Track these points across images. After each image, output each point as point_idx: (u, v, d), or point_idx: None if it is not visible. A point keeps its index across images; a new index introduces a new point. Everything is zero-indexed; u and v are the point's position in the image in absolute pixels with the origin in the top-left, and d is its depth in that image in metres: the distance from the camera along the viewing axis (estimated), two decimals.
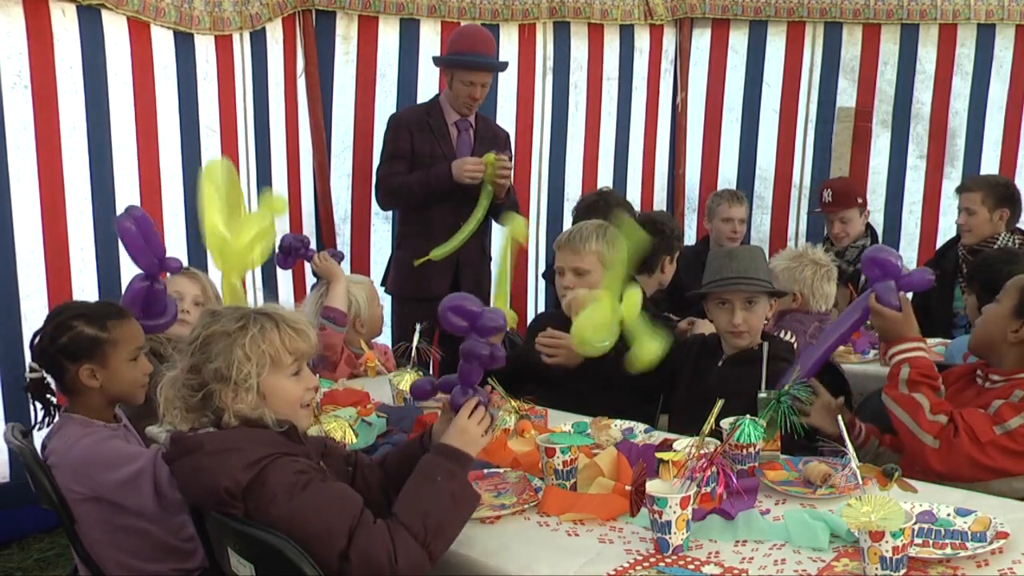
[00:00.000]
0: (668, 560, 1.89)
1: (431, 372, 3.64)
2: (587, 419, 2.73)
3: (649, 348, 2.87)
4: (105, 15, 3.93)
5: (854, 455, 1.96)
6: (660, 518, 1.90)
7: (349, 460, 2.22)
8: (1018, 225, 4.60)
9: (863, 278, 4.65)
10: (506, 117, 5.43)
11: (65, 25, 3.82)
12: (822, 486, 2.20)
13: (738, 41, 6.11)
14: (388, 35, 5.20)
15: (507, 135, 4.77)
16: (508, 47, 5.43)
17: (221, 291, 3.38)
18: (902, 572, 1.74)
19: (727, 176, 6.27)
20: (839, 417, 2.20)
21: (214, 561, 2.10)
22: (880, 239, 5.56)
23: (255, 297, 4.58)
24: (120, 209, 3.43)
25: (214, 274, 3.46)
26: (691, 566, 1.86)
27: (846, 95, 6.11)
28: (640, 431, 2.70)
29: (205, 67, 4.40)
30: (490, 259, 4.70)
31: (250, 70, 4.66)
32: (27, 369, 2.55)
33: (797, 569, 1.84)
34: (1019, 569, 1.81)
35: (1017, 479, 2.42)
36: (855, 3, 5.96)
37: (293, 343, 2.00)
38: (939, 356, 3.60)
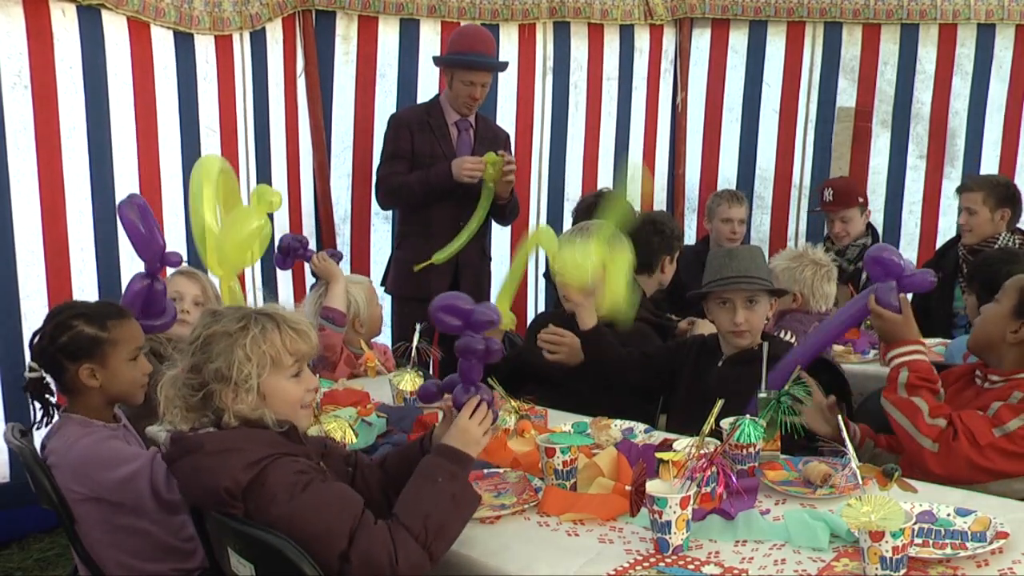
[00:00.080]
0: (668, 560, 1.89)
1: (431, 372, 3.64)
2: (587, 419, 2.73)
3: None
4: (105, 15, 3.93)
5: (854, 455, 1.97)
6: (660, 518, 1.90)
7: (349, 460, 2.22)
8: (1018, 225, 4.60)
9: (864, 277, 4.68)
10: (506, 117, 5.43)
11: (65, 25, 3.82)
12: (822, 486, 2.20)
13: (738, 41, 6.11)
14: (388, 35, 5.20)
15: (507, 135, 4.77)
16: (508, 47, 5.43)
17: (220, 292, 3.39)
18: (902, 572, 1.74)
19: (727, 176, 6.27)
20: (839, 417, 2.20)
21: (214, 561, 2.10)
22: (880, 239, 5.56)
23: (255, 297, 4.58)
24: None
25: (213, 274, 3.46)
26: (691, 566, 1.86)
27: (846, 95, 6.11)
28: (640, 431, 2.70)
29: (205, 67, 4.40)
30: (490, 260, 4.70)
31: (250, 70, 4.66)
32: (26, 369, 2.55)
33: (797, 569, 1.84)
34: (1019, 569, 1.81)
35: (1016, 480, 2.41)
36: (855, 3, 5.96)
37: (294, 344, 2.00)
38: (939, 356, 3.60)
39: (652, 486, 1.94)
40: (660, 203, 6.25)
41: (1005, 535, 1.89)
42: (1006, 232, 4.50)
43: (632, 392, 3.21)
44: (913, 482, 2.07)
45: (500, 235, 5.19)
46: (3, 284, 3.77)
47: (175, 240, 4.17)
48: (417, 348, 3.14)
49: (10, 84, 3.71)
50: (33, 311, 3.76)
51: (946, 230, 5.92)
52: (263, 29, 4.69)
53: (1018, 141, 6.05)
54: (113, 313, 2.54)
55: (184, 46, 4.29)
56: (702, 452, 2.03)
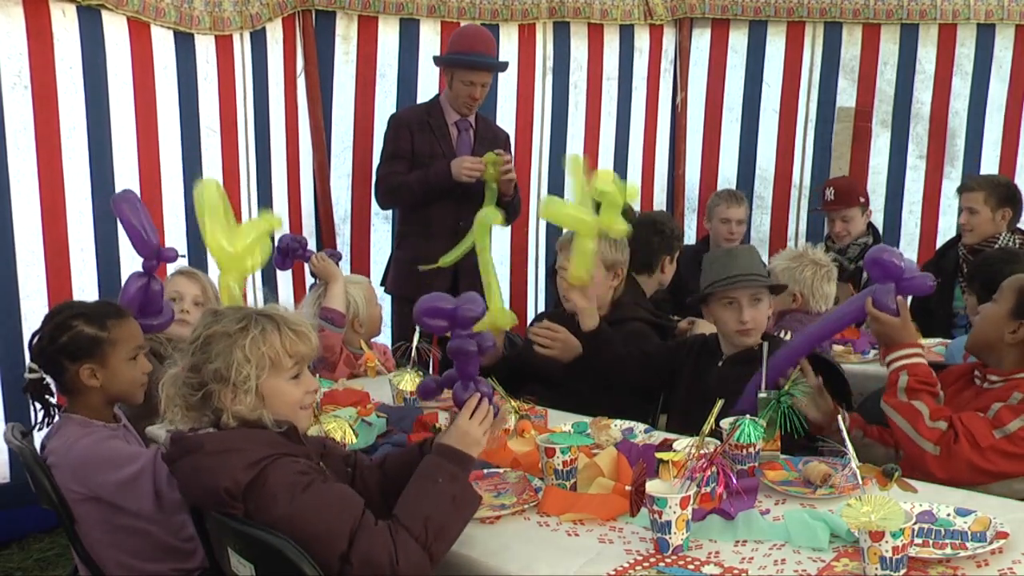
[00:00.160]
0: (668, 560, 1.89)
1: (431, 372, 3.64)
2: (587, 419, 2.72)
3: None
4: (105, 15, 3.93)
5: (854, 455, 1.97)
6: (660, 518, 1.90)
7: (348, 461, 2.22)
8: (1019, 225, 4.60)
9: (864, 276, 4.67)
10: (506, 117, 5.43)
11: (65, 25, 3.82)
12: (822, 486, 2.20)
13: (738, 41, 6.11)
14: (388, 35, 5.20)
15: (507, 135, 4.77)
16: (508, 47, 5.42)
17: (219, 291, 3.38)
18: (902, 572, 1.74)
19: (727, 176, 6.27)
20: (839, 418, 2.20)
21: (214, 561, 2.10)
22: (881, 238, 5.56)
23: (255, 297, 4.58)
24: None
25: (214, 274, 3.45)
26: (691, 566, 1.86)
27: (846, 95, 6.11)
28: (640, 431, 2.70)
29: (205, 67, 4.40)
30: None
31: (250, 70, 4.66)
32: (26, 370, 2.55)
33: (797, 569, 1.84)
34: (1019, 569, 1.81)
35: (1017, 480, 2.42)
36: (855, 3, 5.96)
37: (293, 346, 2.00)
38: (939, 356, 3.60)
39: (652, 486, 1.94)
40: (660, 203, 6.25)
41: (1005, 535, 1.89)
42: (1006, 232, 4.50)
43: (632, 392, 3.22)
44: (913, 482, 2.07)
45: (500, 236, 5.19)
46: (3, 284, 3.77)
47: (176, 240, 4.17)
48: (417, 348, 3.14)
49: (10, 84, 3.70)
50: (33, 311, 3.76)
51: (946, 230, 5.92)
52: (263, 29, 4.69)
53: (1018, 141, 6.05)
54: (112, 313, 2.54)
55: (184, 46, 4.29)
56: (702, 452, 2.04)
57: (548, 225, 5.76)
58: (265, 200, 4.74)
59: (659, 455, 2.09)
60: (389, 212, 5.12)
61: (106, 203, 3.94)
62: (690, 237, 6.01)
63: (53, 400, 2.57)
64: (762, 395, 2.44)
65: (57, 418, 2.54)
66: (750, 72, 6.14)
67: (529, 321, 4.60)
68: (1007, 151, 6.05)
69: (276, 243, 3.90)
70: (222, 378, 1.94)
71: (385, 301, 4.49)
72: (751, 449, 2.24)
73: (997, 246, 4.38)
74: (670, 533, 1.90)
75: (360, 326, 3.71)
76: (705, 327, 3.37)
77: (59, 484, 2.36)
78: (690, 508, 1.92)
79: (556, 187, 5.79)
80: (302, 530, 1.83)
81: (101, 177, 3.98)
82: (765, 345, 2.57)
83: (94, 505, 2.36)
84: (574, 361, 3.18)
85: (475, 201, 4.33)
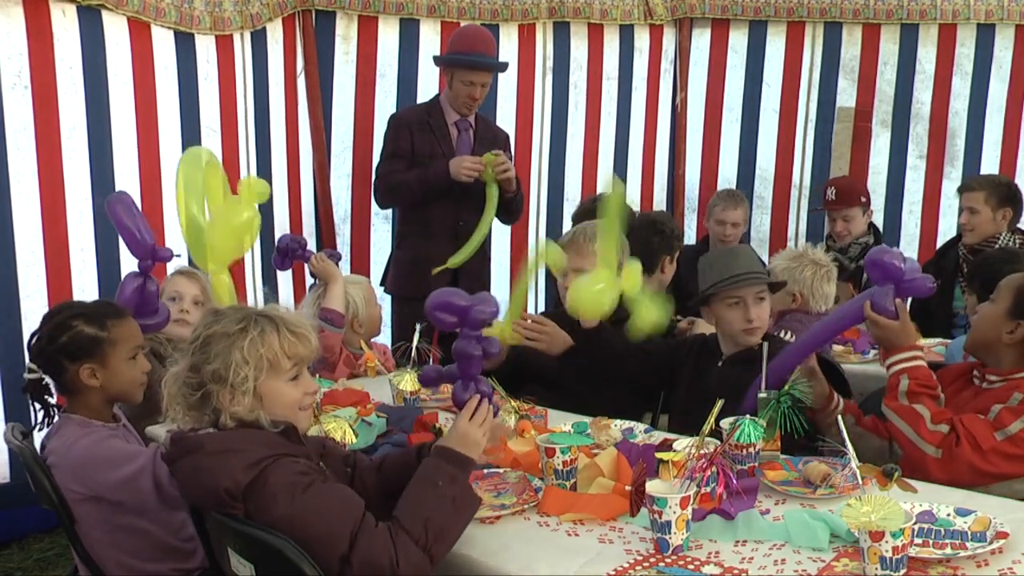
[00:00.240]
0: (668, 560, 1.89)
1: None
2: (587, 419, 2.72)
3: (650, 314, 2.87)
4: (105, 15, 3.93)
5: (854, 455, 1.96)
6: (660, 518, 1.90)
7: (348, 461, 2.22)
8: (1019, 225, 4.60)
9: (865, 276, 4.67)
10: (506, 117, 5.43)
11: (65, 25, 3.82)
12: (822, 486, 2.20)
13: (738, 41, 6.11)
14: (388, 35, 5.20)
15: (506, 136, 4.77)
16: (508, 47, 5.42)
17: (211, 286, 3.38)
18: (902, 572, 1.74)
19: (727, 176, 6.27)
20: (839, 419, 2.19)
21: (214, 561, 2.10)
22: (882, 238, 5.55)
23: (255, 297, 4.58)
24: None
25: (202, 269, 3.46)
26: (691, 566, 1.86)
27: (846, 95, 6.11)
28: (640, 431, 2.70)
29: (206, 67, 4.40)
30: (490, 261, 4.69)
31: (250, 70, 4.66)
32: (25, 370, 2.55)
33: (797, 569, 1.84)
34: (1019, 569, 1.81)
35: (1017, 481, 2.41)
36: (855, 3, 5.96)
37: (292, 348, 2.00)
38: (939, 356, 3.60)
39: (652, 486, 1.94)
40: (660, 203, 6.25)
41: (1005, 535, 1.88)
42: (1007, 232, 4.50)
43: (632, 391, 3.21)
44: (913, 482, 2.07)
45: (500, 236, 5.18)
46: (3, 284, 3.77)
47: (176, 240, 4.16)
48: (417, 348, 3.14)
49: (10, 84, 3.70)
50: (33, 311, 3.76)
51: (946, 230, 5.92)
52: (263, 29, 4.70)
53: (1018, 141, 6.05)
54: (111, 312, 2.54)
55: (185, 46, 4.29)
56: (702, 452, 2.04)
57: (548, 225, 5.77)
58: (265, 200, 4.74)
59: (659, 455, 2.09)
60: (389, 212, 5.12)
61: None
62: (690, 237, 6.01)
63: (53, 400, 2.57)
64: (762, 395, 2.44)
65: (56, 418, 2.54)
66: (750, 72, 6.14)
67: None
68: (1007, 151, 6.05)
69: (276, 243, 3.91)
70: (220, 379, 1.94)
71: (385, 301, 4.49)
72: (751, 449, 2.24)
73: (997, 246, 4.38)
74: (670, 533, 1.90)
75: (360, 326, 3.72)
76: (705, 327, 3.37)
77: (59, 484, 2.36)
78: (690, 508, 1.91)
79: (556, 187, 5.79)
80: (303, 531, 1.83)
81: (101, 177, 3.98)
82: (765, 345, 2.57)
83: (94, 505, 2.36)
84: (574, 361, 3.17)
85: (475, 201, 4.33)
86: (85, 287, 3.95)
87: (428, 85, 5.13)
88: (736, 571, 1.84)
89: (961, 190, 4.68)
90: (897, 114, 6.08)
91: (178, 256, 3.34)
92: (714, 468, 2.02)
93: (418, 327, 3.17)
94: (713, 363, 3.00)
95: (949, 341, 3.89)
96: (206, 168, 3.27)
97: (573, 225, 4.04)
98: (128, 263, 3.92)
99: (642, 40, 5.94)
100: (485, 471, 2.40)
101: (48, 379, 2.54)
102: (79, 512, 2.36)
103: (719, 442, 2.15)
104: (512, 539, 2.03)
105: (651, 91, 6.04)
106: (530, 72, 5.58)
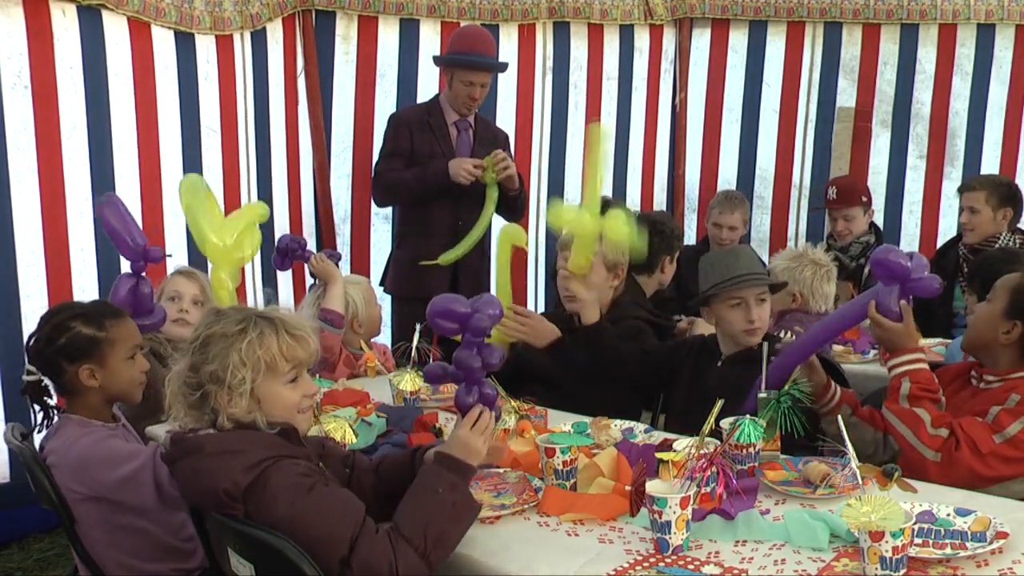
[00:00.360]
0: (668, 560, 1.89)
1: None
2: (587, 419, 2.72)
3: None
4: (105, 15, 3.93)
5: (854, 455, 1.96)
6: (660, 518, 1.90)
7: (347, 461, 2.22)
8: (1019, 225, 4.60)
9: (865, 274, 4.68)
10: (506, 117, 5.43)
11: (65, 25, 3.81)
12: (822, 486, 2.20)
13: (738, 41, 6.11)
14: (388, 35, 5.20)
15: (506, 136, 4.77)
16: (508, 47, 5.42)
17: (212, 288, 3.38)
18: (902, 572, 1.74)
19: (727, 176, 6.27)
20: (839, 418, 2.19)
21: (214, 561, 2.10)
22: (883, 238, 5.55)
23: (255, 298, 4.58)
24: None
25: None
26: (691, 566, 1.86)
27: (846, 95, 6.11)
28: (640, 431, 2.70)
29: (206, 67, 4.40)
30: (489, 260, 4.69)
31: (250, 70, 4.66)
32: (24, 372, 2.55)
33: (797, 569, 1.84)
34: (1019, 569, 1.81)
35: (1016, 482, 2.41)
36: (855, 3, 5.95)
37: (291, 351, 1.99)
38: (939, 356, 3.60)
39: (652, 486, 1.94)
40: (660, 203, 6.25)
41: (1005, 535, 1.88)
42: (1007, 232, 4.50)
43: (631, 391, 3.22)
44: (913, 482, 2.07)
45: (497, 242, 5.18)
46: (3, 284, 3.77)
47: (176, 240, 4.17)
48: (417, 348, 3.14)
49: (10, 84, 3.70)
50: (33, 311, 3.75)
51: (946, 230, 5.92)
52: (263, 29, 4.69)
53: (1018, 142, 6.04)
54: (109, 312, 2.54)
55: (185, 46, 4.29)
56: (702, 452, 2.04)
57: (548, 226, 5.76)
58: (265, 200, 4.75)
59: (659, 455, 2.09)
60: (389, 212, 5.12)
61: None
62: (690, 237, 6.01)
63: (52, 402, 2.57)
64: (762, 395, 2.44)
65: (56, 419, 2.54)
66: (750, 72, 6.13)
67: None
68: (1007, 151, 6.05)
69: (276, 244, 3.91)
70: (218, 380, 1.94)
71: (385, 301, 4.49)
72: (751, 449, 2.24)
73: (997, 246, 4.38)
74: (670, 533, 1.90)
75: (359, 326, 3.72)
76: (705, 327, 3.38)
77: (59, 484, 2.36)
78: (690, 508, 1.91)
79: (556, 187, 5.79)
80: (303, 533, 1.83)
81: (101, 177, 3.98)
82: (765, 345, 2.57)
83: (94, 505, 2.36)
84: (562, 354, 3.17)
85: (474, 201, 4.34)
86: (85, 287, 3.95)
87: (428, 85, 5.13)
88: (736, 571, 1.84)
89: (961, 190, 4.68)
90: (897, 114, 6.08)
91: (170, 256, 3.35)
92: (714, 468, 2.02)
93: (418, 327, 3.17)
94: (713, 363, 3.00)
95: (949, 341, 3.89)
96: (205, 195, 3.29)
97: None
98: (128, 263, 3.93)
99: (642, 40, 5.93)
100: (485, 471, 2.40)
101: (47, 380, 2.54)
102: (79, 512, 2.36)
103: (719, 442, 2.14)
104: (512, 539, 2.03)
105: (651, 91, 6.04)
106: (530, 72, 5.58)
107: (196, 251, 3.95)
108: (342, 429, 2.55)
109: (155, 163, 4.20)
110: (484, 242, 4.56)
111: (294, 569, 1.79)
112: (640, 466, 2.09)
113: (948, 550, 1.88)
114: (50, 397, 2.56)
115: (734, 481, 2.02)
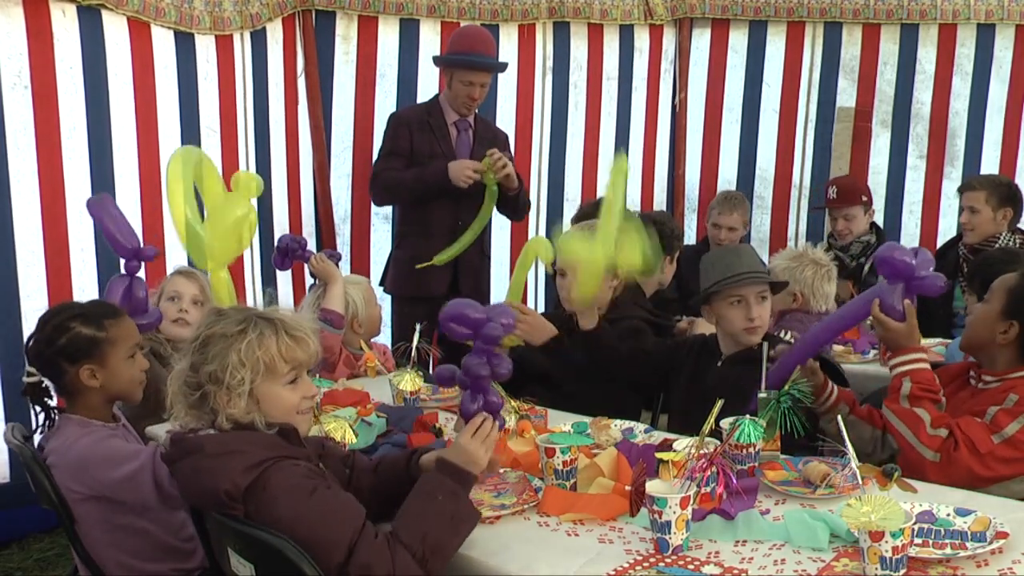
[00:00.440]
0: (668, 560, 1.89)
1: (431, 372, 3.64)
2: (587, 419, 2.73)
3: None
4: (105, 15, 3.93)
5: (854, 455, 1.96)
6: (660, 518, 1.90)
7: (347, 461, 2.22)
8: (1019, 225, 4.60)
9: (865, 272, 4.69)
10: (506, 117, 5.43)
11: (65, 25, 3.82)
12: (822, 486, 2.20)
13: (738, 41, 6.11)
14: (388, 35, 5.20)
15: (506, 136, 4.77)
16: (508, 47, 5.42)
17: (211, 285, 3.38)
18: (902, 572, 1.74)
19: (727, 176, 6.27)
20: (839, 418, 2.19)
21: (214, 561, 2.10)
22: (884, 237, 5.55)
23: (255, 298, 4.58)
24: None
25: (198, 266, 3.46)
26: (691, 566, 1.86)
27: (846, 95, 6.11)
28: (640, 431, 2.70)
29: (205, 67, 4.40)
30: (489, 259, 4.70)
31: (250, 70, 4.66)
32: (24, 373, 2.55)
33: (797, 569, 1.84)
34: (1019, 569, 1.81)
35: (1015, 481, 2.41)
36: (855, 3, 5.96)
37: (290, 352, 1.99)
38: (939, 356, 3.60)
39: (652, 486, 1.94)
40: (660, 203, 6.25)
41: (1005, 535, 1.88)
42: (1007, 232, 4.51)
43: (631, 391, 3.21)
44: (913, 482, 2.07)
45: (500, 235, 5.19)
46: (3, 284, 3.77)
47: (176, 240, 4.16)
48: (417, 348, 3.14)
49: (10, 84, 3.70)
50: (33, 311, 3.75)
51: (946, 230, 5.92)
52: (263, 29, 4.70)
53: (1018, 142, 6.05)
54: (108, 312, 2.54)
55: (184, 46, 4.29)
56: (702, 452, 2.03)
57: (548, 225, 5.76)
58: (265, 199, 4.75)
59: (659, 455, 2.09)
60: (389, 212, 5.12)
61: None
62: (690, 237, 6.01)
63: (52, 403, 2.57)
64: (762, 395, 2.44)
65: (56, 420, 2.54)
66: (750, 72, 6.13)
67: None
68: (1007, 151, 6.05)
69: (276, 243, 3.91)
70: (217, 380, 1.94)
71: (385, 301, 4.49)
72: (751, 449, 2.24)
73: (997, 246, 4.38)
74: (670, 533, 1.90)
75: (359, 326, 3.72)
76: (705, 327, 3.38)
77: (59, 484, 2.36)
78: (690, 508, 1.91)
79: (556, 187, 5.79)
80: (303, 535, 1.82)
81: (101, 177, 3.98)
82: (765, 345, 2.57)
83: (94, 505, 2.36)
84: (559, 353, 3.17)
85: (474, 201, 4.34)
86: (85, 287, 3.95)
87: (428, 85, 5.13)
88: (736, 571, 1.84)
89: (962, 190, 4.68)
90: (897, 114, 6.08)
91: (157, 253, 3.35)
92: (714, 468, 2.02)
93: (418, 327, 3.18)
94: (713, 363, 3.00)
95: (949, 341, 3.89)
96: (201, 166, 3.27)
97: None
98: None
99: (642, 40, 5.93)
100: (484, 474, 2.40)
101: (47, 382, 2.54)
102: (79, 512, 2.36)
103: (719, 442, 2.14)
104: (512, 539, 2.03)
105: (651, 91, 6.04)
106: (530, 72, 5.58)
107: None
108: (342, 429, 2.56)
109: (155, 163, 4.20)
110: (484, 241, 4.56)
111: (294, 569, 1.79)
112: (640, 466, 2.09)
113: (948, 550, 1.88)
114: (51, 398, 2.56)
115: (734, 481, 2.02)
